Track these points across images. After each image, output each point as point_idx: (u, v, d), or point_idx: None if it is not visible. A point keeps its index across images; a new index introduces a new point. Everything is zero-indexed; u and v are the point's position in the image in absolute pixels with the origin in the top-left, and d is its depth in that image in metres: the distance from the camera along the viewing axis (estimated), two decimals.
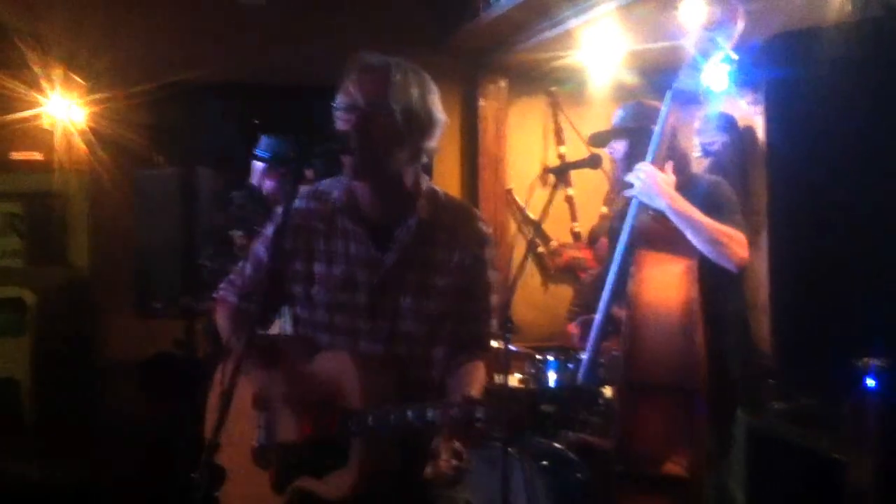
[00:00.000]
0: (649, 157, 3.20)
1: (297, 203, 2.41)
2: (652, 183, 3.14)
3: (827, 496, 3.63)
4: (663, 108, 3.19)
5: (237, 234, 3.95)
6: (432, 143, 2.32)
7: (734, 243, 3.11)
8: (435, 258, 2.33)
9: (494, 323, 2.43)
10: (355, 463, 2.18)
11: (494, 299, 2.41)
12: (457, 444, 2.06)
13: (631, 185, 3.25)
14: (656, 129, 3.21)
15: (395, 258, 2.31)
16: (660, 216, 3.21)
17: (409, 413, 2.08)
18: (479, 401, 2.01)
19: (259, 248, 2.51)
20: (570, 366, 4.31)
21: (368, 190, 2.33)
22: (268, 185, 4.09)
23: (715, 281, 3.15)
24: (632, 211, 3.21)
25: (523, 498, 4.01)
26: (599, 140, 3.63)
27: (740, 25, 3.06)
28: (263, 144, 4.11)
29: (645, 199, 3.17)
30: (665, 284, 3.11)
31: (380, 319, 2.33)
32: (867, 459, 3.34)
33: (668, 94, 3.18)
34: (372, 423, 2.14)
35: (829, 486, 3.55)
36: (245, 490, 2.40)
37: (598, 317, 3.22)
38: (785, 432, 3.82)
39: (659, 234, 3.20)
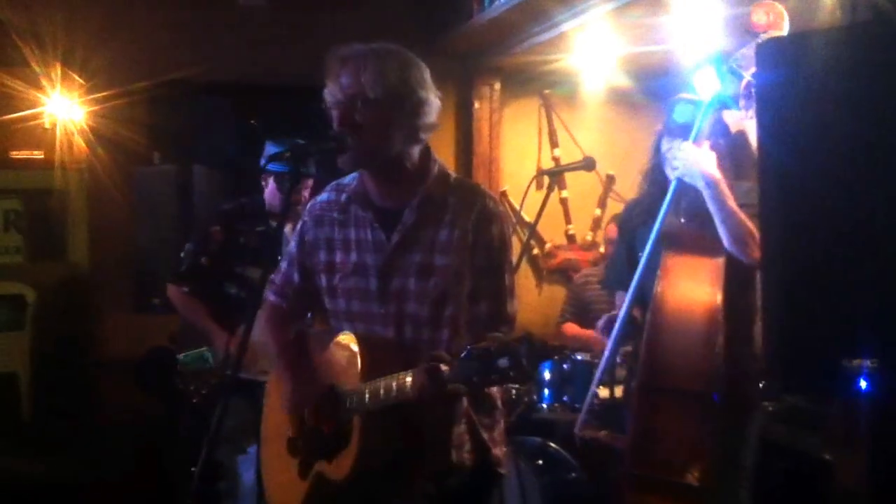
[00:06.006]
0: (691, 138, 3.20)
1: (321, 196, 2.50)
2: (694, 159, 3.13)
3: (816, 497, 3.66)
4: (706, 104, 3.18)
5: (216, 229, 3.87)
6: (426, 120, 2.31)
7: (754, 242, 3.14)
8: (436, 238, 2.33)
9: (511, 305, 2.38)
10: (355, 442, 2.23)
11: (509, 280, 2.38)
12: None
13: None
14: (699, 115, 3.19)
15: (398, 239, 2.34)
16: (690, 220, 3.19)
17: (395, 383, 2.13)
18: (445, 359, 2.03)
19: (292, 243, 2.56)
20: (566, 366, 4.35)
21: (373, 176, 2.37)
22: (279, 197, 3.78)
23: (735, 281, 3.16)
24: (670, 195, 3.18)
25: (517, 496, 4.04)
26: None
27: (786, 29, 3.06)
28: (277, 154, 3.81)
29: (687, 178, 3.14)
30: (692, 289, 3.06)
31: (389, 303, 2.35)
32: (857, 460, 3.35)
33: (712, 101, 3.16)
34: (368, 399, 2.19)
35: (819, 487, 3.58)
36: (281, 478, 2.49)
37: (620, 315, 3.22)
38: (774, 433, 3.84)
39: (688, 236, 3.17)
